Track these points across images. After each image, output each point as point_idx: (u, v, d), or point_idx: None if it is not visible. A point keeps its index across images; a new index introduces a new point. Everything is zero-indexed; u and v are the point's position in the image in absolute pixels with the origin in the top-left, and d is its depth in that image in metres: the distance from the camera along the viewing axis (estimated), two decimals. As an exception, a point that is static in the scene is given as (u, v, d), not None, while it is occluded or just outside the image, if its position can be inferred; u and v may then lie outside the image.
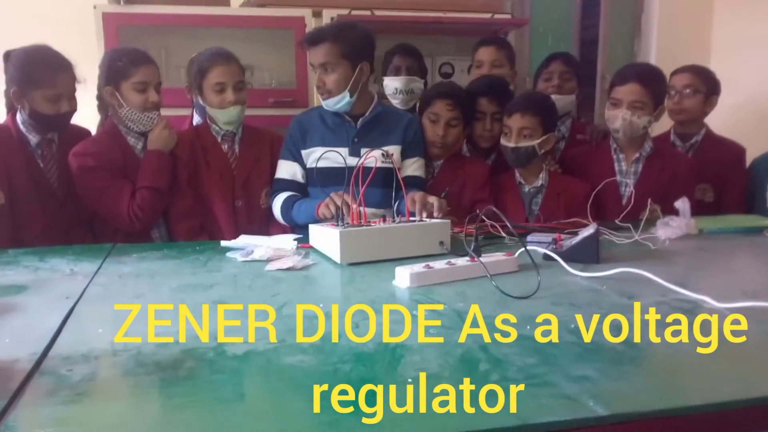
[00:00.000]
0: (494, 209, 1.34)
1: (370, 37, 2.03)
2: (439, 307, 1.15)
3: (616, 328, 1.03)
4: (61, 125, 2.06)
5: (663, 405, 0.76)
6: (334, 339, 0.99)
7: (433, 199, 1.70)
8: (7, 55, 2.05)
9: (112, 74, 2.04)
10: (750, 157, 2.61)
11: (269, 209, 2.16)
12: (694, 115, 2.51)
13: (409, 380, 0.83)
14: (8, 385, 0.81)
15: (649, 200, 1.82)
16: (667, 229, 1.70)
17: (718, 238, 1.79)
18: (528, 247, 1.44)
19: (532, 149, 2.07)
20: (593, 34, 4.38)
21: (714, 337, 0.99)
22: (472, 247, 1.39)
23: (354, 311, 1.13)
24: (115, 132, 2.08)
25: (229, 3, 2.96)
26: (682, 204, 1.75)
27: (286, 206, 2.03)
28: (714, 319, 1.07)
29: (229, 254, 1.60)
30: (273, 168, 2.17)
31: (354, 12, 2.80)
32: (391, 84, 2.55)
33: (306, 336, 1.00)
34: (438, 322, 1.06)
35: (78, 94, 2.04)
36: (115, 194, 2.01)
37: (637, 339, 0.98)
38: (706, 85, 2.55)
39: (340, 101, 1.98)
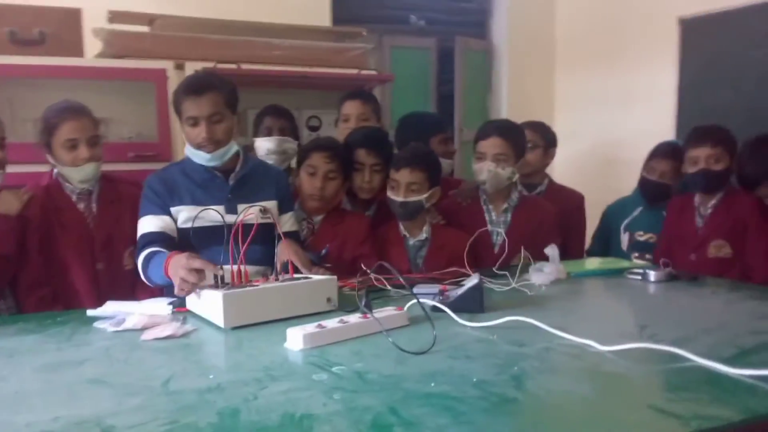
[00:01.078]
0: (386, 264, 1.34)
1: (237, 89, 1.98)
2: (339, 369, 1.11)
3: (515, 379, 1.04)
4: None
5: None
6: (234, 415, 0.91)
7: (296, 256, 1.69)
8: None
9: None
10: (594, 201, 2.85)
11: (133, 271, 2.01)
12: (535, 167, 2.73)
13: (324, 454, 0.78)
14: None
15: (522, 248, 1.89)
16: (541, 275, 1.78)
17: (585, 281, 1.90)
18: (415, 301, 1.45)
19: (419, 203, 2.11)
20: (449, 89, 4.62)
21: (606, 381, 1.04)
22: (363, 303, 1.37)
23: (248, 380, 1.06)
24: (-46, 193, 1.87)
25: (83, 53, 2.80)
26: (552, 250, 1.85)
27: (145, 264, 1.82)
28: (601, 363, 1.12)
29: (96, 324, 1.46)
30: (134, 225, 2.02)
31: (219, 65, 2.74)
32: (263, 145, 2.49)
33: (201, 414, 0.92)
34: (340, 387, 1.02)
35: None
36: None
37: (537, 389, 1.00)
38: (544, 140, 2.77)
39: (228, 152, 1.90)
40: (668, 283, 1.83)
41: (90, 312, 1.54)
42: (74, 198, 2.02)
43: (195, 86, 1.88)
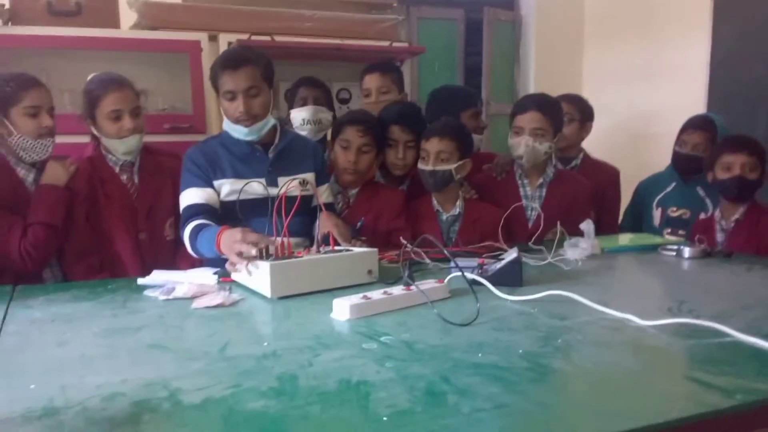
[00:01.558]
0: (430, 237, 1.36)
1: (272, 63, 2.00)
2: (387, 339, 1.15)
3: (560, 351, 1.07)
4: None
5: (631, 425, 0.80)
6: (292, 380, 0.96)
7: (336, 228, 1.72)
8: None
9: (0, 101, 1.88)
10: (625, 176, 2.85)
11: (174, 241, 2.07)
12: (571, 141, 2.73)
13: (385, 418, 0.82)
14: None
15: (558, 223, 1.91)
16: (576, 250, 1.80)
17: (619, 257, 1.93)
18: (456, 274, 1.48)
19: (449, 173, 2.12)
20: (477, 61, 4.59)
21: (648, 354, 1.07)
22: (406, 275, 1.41)
23: (301, 348, 1.10)
24: (3, 163, 1.91)
25: (119, 24, 2.82)
26: (587, 226, 1.87)
27: (193, 236, 1.86)
28: (643, 337, 1.14)
29: (147, 292, 1.51)
30: (176, 197, 2.07)
31: (254, 37, 2.76)
32: (298, 115, 2.50)
33: (261, 378, 0.96)
34: (391, 356, 1.06)
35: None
36: (4, 231, 1.84)
37: (583, 361, 1.03)
38: (581, 113, 2.76)
39: (266, 125, 1.93)
40: (703, 260, 1.85)
41: (140, 281, 1.59)
42: (117, 169, 2.06)
43: (232, 60, 1.90)
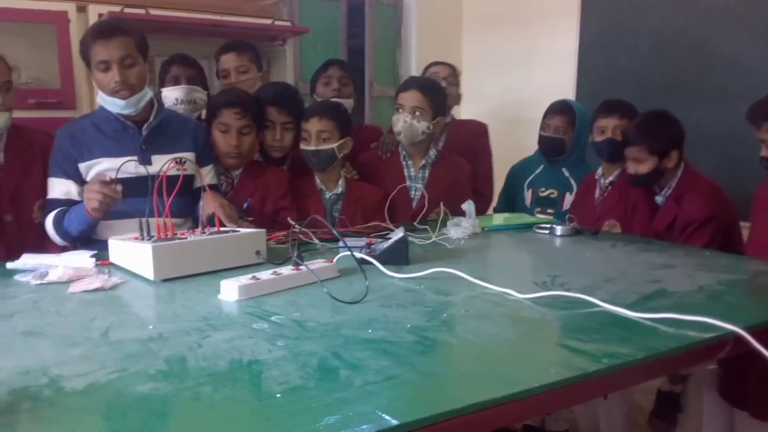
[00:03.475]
0: (319, 218, 1.38)
1: (145, 36, 1.92)
2: (278, 319, 1.15)
3: (445, 325, 1.12)
4: None
5: (510, 390, 0.85)
6: (181, 362, 0.94)
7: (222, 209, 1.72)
8: None
9: None
10: (501, 160, 3.00)
11: (43, 224, 1.95)
12: (454, 101, 2.93)
13: (278, 395, 0.83)
14: None
15: (441, 204, 1.98)
16: (458, 230, 1.88)
17: (498, 236, 2.03)
18: (344, 253, 1.50)
19: (332, 152, 2.14)
20: (359, 43, 4.61)
21: (525, 325, 1.14)
22: (295, 255, 1.41)
23: (189, 330, 1.09)
24: None
25: (-24, -8, 2.59)
26: (468, 206, 1.95)
27: (57, 222, 1.85)
28: (521, 309, 1.22)
29: (17, 277, 1.42)
30: (45, 176, 1.95)
31: (127, 10, 2.62)
32: (171, 95, 2.39)
33: (148, 362, 0.94)
34: (282, 335, 1.06)
35: None
36: None
37: (466, 333, 1.09)
38: (456, 78, 2.95)
39: (143, 98, 1.85)
40: (573, 237, 1.98)
41: (10, 264, 1.49)
42: None
43: (104, 30, 1.82)
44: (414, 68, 4.64)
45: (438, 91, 2.38)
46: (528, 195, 2.80)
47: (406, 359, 0.96)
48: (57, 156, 1.89)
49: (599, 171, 2.49)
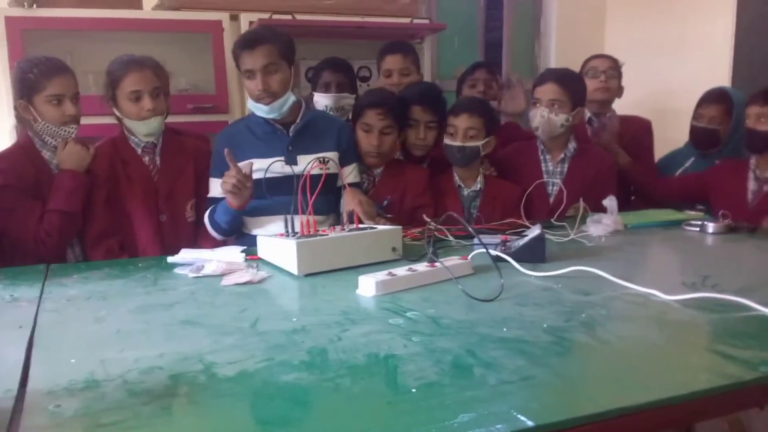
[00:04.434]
0: (455, 215, 1.38)
1: (293, 41, 2.02)
2: (413, 315, 1.17)
3: (585, 326, 1.09)
4: None
5: (655, 396, 0.81)
6: (322, 354, 0.98)
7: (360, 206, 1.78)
8: None
9: (24, 87, 1.89)
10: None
11: (195, 223, 2.11)
12: (615, 95, 2.77)
13: (414, 390, 0.84)
14: (-6, 427, 0.76)
15: (581, 199, 1.92)
16: (599, 227, 1.81)
17: (642, 233, 1.92)
18: (479, 251, 1.50)
19: (477, 150, 2.15)
20: (497, 36, 4.55)
21: (672, 328, 1.08)
22: (431, 252, 1.43)
23: (329, 323, 1.13)
24: (28, 146, 1.94)
25: (141, 6, 2.84)
26: (610, 202, 1.87)
27: (211, 217, 2.01)
28: (667, 311, 1.16)
29: (176, 270, 1.55)
30: (197, 179, 2.11)
31: (275, 16, 2.76)
32: (322, 101, 2.50)
33: (292, 352, 0.99)
34: (417, 330, 1.08)
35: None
36: (22, 216, 1.87)
37: (607, 335, 1.05)
38: (618, 71, 2.75)
39: (286, 103, 1.95)
40: (727, 235, 1.84)
41: (170, 259, 1.63)
42: (139, 151, 2.08)
43: (249, 40, 1.94)
44: (553, 59, 4.50)
45: (575, 81, 2.31)
46: (677, 189, 2.64)
47: (543, 360, 0.94)
48: (216, 158, 2.04)
49: (752, 161, 2.30)
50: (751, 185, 2.29)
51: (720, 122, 2.49)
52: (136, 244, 2.05)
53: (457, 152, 2.16)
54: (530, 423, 0.74)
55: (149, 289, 1.40)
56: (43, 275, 1.53)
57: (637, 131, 2.77)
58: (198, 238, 2.12)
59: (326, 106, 2.48)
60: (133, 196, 2.05)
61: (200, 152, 2.16)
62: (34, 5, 2.56)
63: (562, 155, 2.30)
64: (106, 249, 2.00)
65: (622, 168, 2.54)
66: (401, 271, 1.37)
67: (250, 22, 2.80)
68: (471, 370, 0.91)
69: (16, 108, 1.95)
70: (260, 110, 1.97)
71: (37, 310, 1.25)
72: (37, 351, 1.02)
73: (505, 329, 1.07)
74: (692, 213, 2.27)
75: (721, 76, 3.61)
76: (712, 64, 3.73)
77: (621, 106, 2.92)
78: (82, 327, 1.15)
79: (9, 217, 1.87)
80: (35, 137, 1.95)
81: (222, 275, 1.47)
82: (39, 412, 0.80)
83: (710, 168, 2.49)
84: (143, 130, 2.03)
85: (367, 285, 1.31)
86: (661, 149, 2.83)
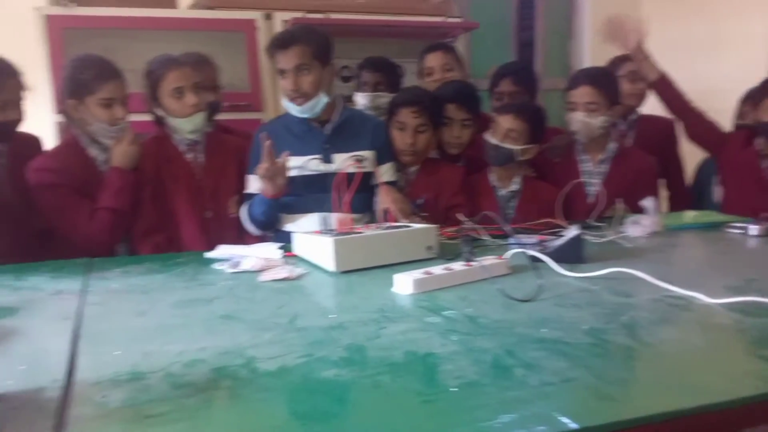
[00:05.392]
0: (491, 214, 1.37)
1: (331, 40, 2.03)
2: (450, 313, 1.17)
3: (626, 328, 1.07)
4: (8, 134, 1.96)
5: (700, 402, 0.80)
6: (361, 351, 0.99)
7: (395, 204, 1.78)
8: None
9: (76, 87, 1.93)
10: (685, 154, 2.79)
11: (238, 218, 2.13)
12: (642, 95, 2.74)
13: (454, 389, 0.84)
14: (44, 415, 0.78)
15: (622, 200, 1.89)
16: (638, 228, 1.79)
17: (682, 235, 1.89)
18: (516, 250, 1.49)
19: (511, 153, 2.13)
20: (530, 35, 4.52)
21: (716, 332, 1.06)
22: (467, 251, 1.42)
23: (366, 321, 1.13)
24: (75, 144, 1.98)
25: (176, 5, 2.88)
26: (649, 203, 1.84)
27: (248, 210, 2.05)
28: (710, 315, 1.13)
29: (215, 266, 1.57)
30: (240, 175, 2.13)
31: (309, 15, 2.78)
32: (360, 101, 2.53)
33: (331, 349, 1.00)
34: (455, 329, 1.08)
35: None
36: (73, 214, 1.92)
37: (650, 338, 1.03)
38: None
39: (317, 104, 1.97)
40: (771, 237, 1.81)
41: (207, 254, 1.65)
42: (182, 148, 2.11)
43: (282, 40, 1.97)
44: (588, 59, 4.46)
45: (609, 79, 2.29)
46: (717, 191, 2.59)
47: (584, 362, 0.93)
48: (254, 155, 2.05)
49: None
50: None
51: None
52: (182, 240, 2.08)
53: (492, 150, 2.15)
54: (574, 425, 0.73)
55: (189, 283, 1.42)
56: (84, 268, 1.56)
57: (662, 132, 2.74)
58: (243, 233, 2.14)
59: (363, 105, 2.51)
60: (178, 193, 2.08)
61: (242, 149, 2.18)
62: (75, 4, 2.61)
63: (601, 156, 2.28)
64: (154, 244, 2.04)
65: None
66: (438, 269, 1.36)
67: (284, 21, 2.82)
68: (511, 371, 0.90)
69: (63, 105, 1.99)
70: (293, 109, 1.99)
71: (82, 302, 1.27)
72: (83, 342, 1.04)
73: (544, 330, 1.06)
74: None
75: (759, 75, 3.53)
76: (750, 63, 3.65)
77: (658, 108, 2.88)
78: (125, 320, 1.17)
79: (60, 215, 1.92)
80: (82, 135, 1.99)
81: (259, 271, 1.49)
82: (86, 402, 0.82)
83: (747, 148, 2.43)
84: (188, 126, 2.05)
85: (404, 283, 1.31)
86: (697, 150, 2.78)
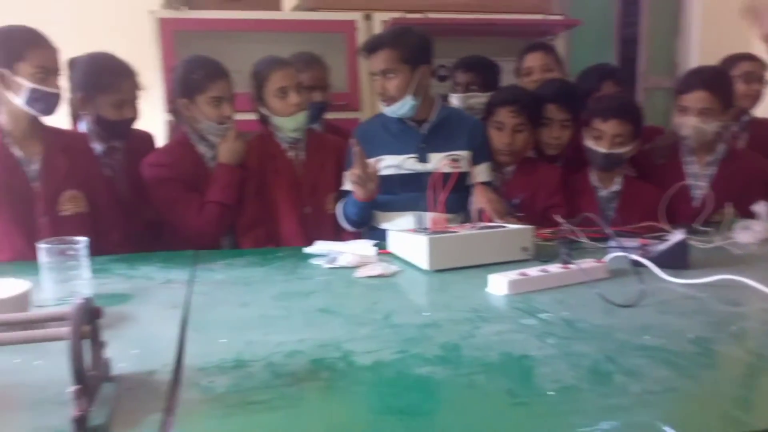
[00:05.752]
0: (592, 216, 1.34)
1: (428, 40, 2.04)
2: (546, 316, 1.15)
3: (735, 338, 1.02)
4: (125, 131, 2.09)
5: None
6: (455, 350, 0.99)
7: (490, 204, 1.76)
8: (72, 62, 2.08)
9: (187, 86, 2.03)
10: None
11: (335, 214, 2.18)
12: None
13: (551, 393, 0.83)
14: (155, 397, 0.83)
15: (732, 204, 1.80)
16: (749, 233, 1.69)
17: (798, 242, 1.77)
18: (617, 254, 1.44)
19: (622, 157, 2.07)
20: (633, 32, 4.35)
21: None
22: (565, 253, 1.39)
23: (461, 320, 1.13)
24: (185, 141, 2.09)
25: (280, 7, 2.97)
26: (762, 208, 1.74)
27: (343, 208, 2.09)
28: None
29: (312, 261, 1.61)
30: (338, 173, 2.17)
31: (407, 15, 2.80)
32: (453, 101, 2.53)
33: (425, 346, 1.00)
34: (551, 332, 1.06)
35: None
36: (183, 207, 2.02)
37: (762, 349, 0.98)
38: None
39: (403, 106, 1.98)
40: None
41: (306, 249, 1.70)
42: (284, 146, 2.18)
43: (369, 44, 2.02)
44: (696, 58, 4.24)
45: (725, 82, 2.15)
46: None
47: (690, 371, 0.89)
48: (350, 153, 2.07)
49: None
50: None
51: None
52: (281, 234, 2.14)
53: (602, 159, 2.07)
54: (678, 436, 0.71)
55: (288, 277, 1.47)
56: (191, 260, 1.64)
57: None
58: (338, 230, 2.19)
59: (456, 106, 2.49)
60: (279, 189, 2.14)
61: (339, 147, 2.23)
62: (186, 7, 2.74)
63: (709, 158, 2.16)
64: (255, 238, 2.10)
65: None
66: (533, 271, 1.34)
67: (383, 22, 2.85)
68: (611, 377, 0.88)
69: (173, 104, 2.10)
70: (385, 109, 2.04)
71: (189, 292, 1.34)
72: (191, 330, 1.10)
73: (646, 337, 1.03)
74: None
75: None
76: None
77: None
78: (230, 310, 1.22)
79: (172, 208, 2.03)
80: (192, 133, 2.09)
81: (355, 267, 1.52)
82: (194, 386, 0.87)
83: None
84: (290, 125, 2.11)
85: (499, 283, 1.30)
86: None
